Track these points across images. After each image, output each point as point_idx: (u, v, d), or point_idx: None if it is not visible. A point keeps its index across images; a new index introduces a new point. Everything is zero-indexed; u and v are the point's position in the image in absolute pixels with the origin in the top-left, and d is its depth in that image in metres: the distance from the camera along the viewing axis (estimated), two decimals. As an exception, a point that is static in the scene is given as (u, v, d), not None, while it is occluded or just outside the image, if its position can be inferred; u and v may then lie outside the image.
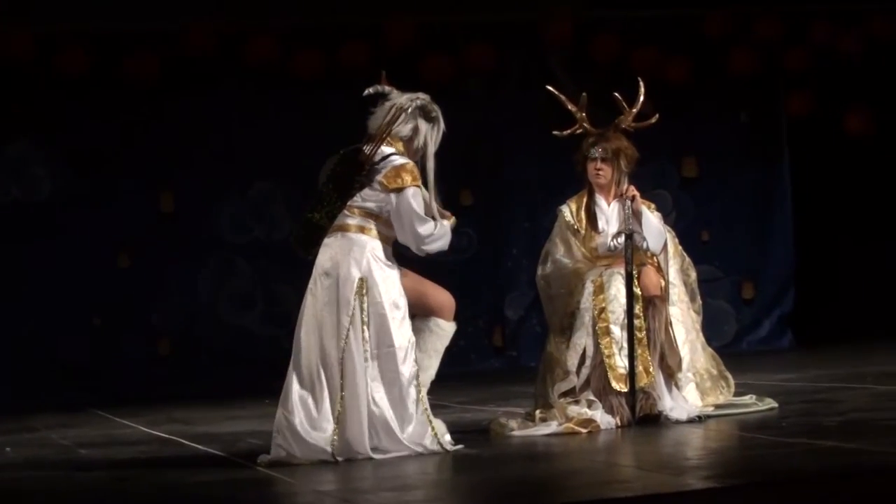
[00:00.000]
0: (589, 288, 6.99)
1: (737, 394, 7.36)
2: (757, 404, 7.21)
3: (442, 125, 6.40)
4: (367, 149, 6.26)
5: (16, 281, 11.10)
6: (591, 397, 6.83)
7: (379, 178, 6.24)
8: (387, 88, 6.40)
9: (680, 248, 7.35)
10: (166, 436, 7.85)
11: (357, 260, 6.18)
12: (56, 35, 10.99)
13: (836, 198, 12.38)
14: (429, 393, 6.30)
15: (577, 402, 6.80)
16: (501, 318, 11.90)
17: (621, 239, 6.96)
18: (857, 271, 12.31)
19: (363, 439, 6.08)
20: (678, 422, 6.79)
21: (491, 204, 11.80)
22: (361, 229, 6.25)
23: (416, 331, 6.29)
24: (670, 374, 6.99)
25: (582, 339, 6.93)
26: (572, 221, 7.16)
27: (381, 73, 6.43)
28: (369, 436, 6.10)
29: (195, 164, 11.35)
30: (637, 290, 6.92)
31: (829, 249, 12.40)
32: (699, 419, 6.82)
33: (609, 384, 6.84)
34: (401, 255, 6.41)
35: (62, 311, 11.12)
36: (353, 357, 6.11)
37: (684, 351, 7.10)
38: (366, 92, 6.40)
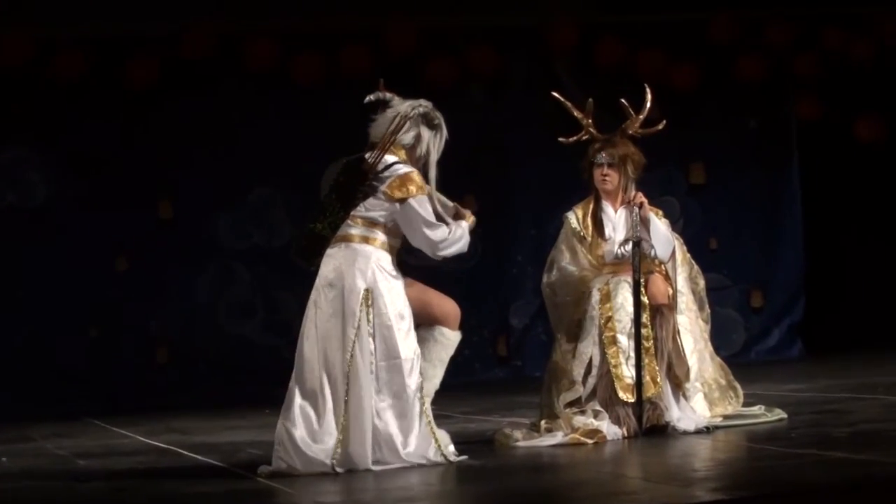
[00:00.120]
0: (595, 296, 7.00)
1: (745, 404, 7.36)
2: (766, 415, 7.21)
3: (444, 132, 6.42)
4: (370, 158, 6.27)
5: (12, 287, 11.11)
6: (598, 407, 6.84)
7: (383, 187, 6.26)
8: (388, 95, 6.42)
9: (688, 255, 7.36)
10: (165, 446, 7.86)
11: (362, 271, 6.20)
12: (54, 38, 11.00)
13: (847, 205, 12.38)
14: (432, 403, 6.32)
15: (582, 413, 6.80)
16: (506, 327, 11.90)
17: (629, 246, 6.97)
18: (868, 279, 12.31)
19: (366, 453, 6.09)
20: (686, 432, 6.79)
21: (495, 211, 11.80)
22: (365, 239, 6.26)
23: (421, 340, 6.31)
24: (678, 384, 6.99)
25: (588, 349, 6.93)
26: (579, 228, 7.17)
27: (380, 81, 6.44)
28: (372, 449, 6.10)
29: (194, 168, 11.35)
30: (644, 299, 6.93)
31: (840, 257, 12.40)
32: (707, 430, 6.82)
33: (616, 394, 6.84)
34: (404, 263, 6.42)
35: (59, 319, 11.13)
36: (359, 369, 6.12)
37: (692, 360, 7.10)
38: (367, 99, 6.42)
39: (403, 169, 6.29)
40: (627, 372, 6.86)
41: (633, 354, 6.86)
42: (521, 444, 6.78)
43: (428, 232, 6.27)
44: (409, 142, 6.36)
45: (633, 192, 7.11)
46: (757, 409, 7.31)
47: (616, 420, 6.80)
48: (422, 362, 6.27)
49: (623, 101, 7.15)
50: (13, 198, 11.25)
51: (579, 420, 6.76)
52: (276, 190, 11.53)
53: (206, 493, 6.00)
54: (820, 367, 10.81)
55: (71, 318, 11.16)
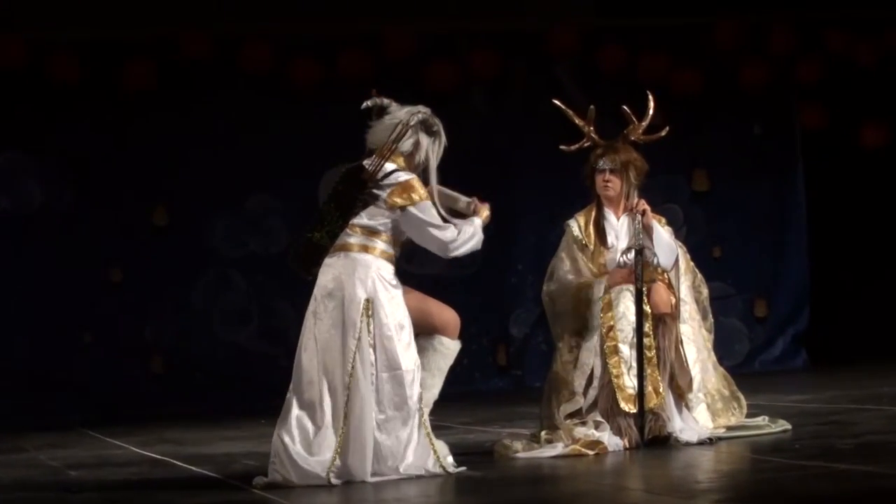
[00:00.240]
0: (597, 305, 6.99)
1: (749, 415, 7.36)
2: (770, 426, 7.21)
3: (443, 139, 6.43)
4: (369, 166, 6.28)
5: (3, 295, 11.10)
6: (599, 418, 6.84)
7: (384, 195, 6.26)
8: (385, 101, 6.43)
9: (692, 264, 7.36)
10: (159, 457, 7.85)
11: (362, 280, 6.20)
12: (48, 41, 11.00)
13: (853, 213, 12.38)
14: (431, 413, 6.32)
15: (583, 424, 6.80)
16: (506, 337, 11.90)
17: (631, 255, 6.97)
18: (874, 289, 12.30)
19: (365, 465, 6.09)
20: (688, 444, 6.79)
21: (495, 218, 11.76)
22: (365, 248, 6.27)
23: (420, 349, 6.31)
24: (680, 394, 6.99)
25: (590, 359, 6.93)
26: (580, 236, 7.16)
27: (372, 91, 6.44)
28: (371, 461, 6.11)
29: (189, 175, 11.35)
30: (647, 308, 6.93)
31: (845, 266, 12.40)
32: (710, 441, 6.82)
33: (617, 405, 6.84)
34: (403, 271, 6.42)
35: (52, 326, 11.12)
36: (360, 381, 6.12)
37: (695, 371, 7.10)
38: (364, 105, 6.43)
39: (404, 176, 6.30)
40: (629, 382, 6.86)
41: (634, 364, 6.85)
42: (520, 455, 6.78)
43: (437, 233, 6.29)
44: (408, 149, 6.37)
45: (635, 199, 7.10)
46: (761, 419, 7.31)
47: (617, 431, 6.79)
48: (420, 372, 6.27)
49: (625, 107, 7.16)
50: (7, 204, 11.25)
51: (580, 431, 6.76)
52: (273, 196, 11.53)
53: (201, 504, 6.00)
54: (825, 377, 10.80)
55: (64, 325, 11.15)
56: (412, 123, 6.33)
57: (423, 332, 6.37)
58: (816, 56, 12.04)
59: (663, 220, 7.21)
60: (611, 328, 6.95)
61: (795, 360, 12.23)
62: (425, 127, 6.39)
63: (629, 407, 6.83)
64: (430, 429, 6.25)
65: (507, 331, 11.90)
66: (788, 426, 7.20)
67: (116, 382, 11.17)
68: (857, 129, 12.18)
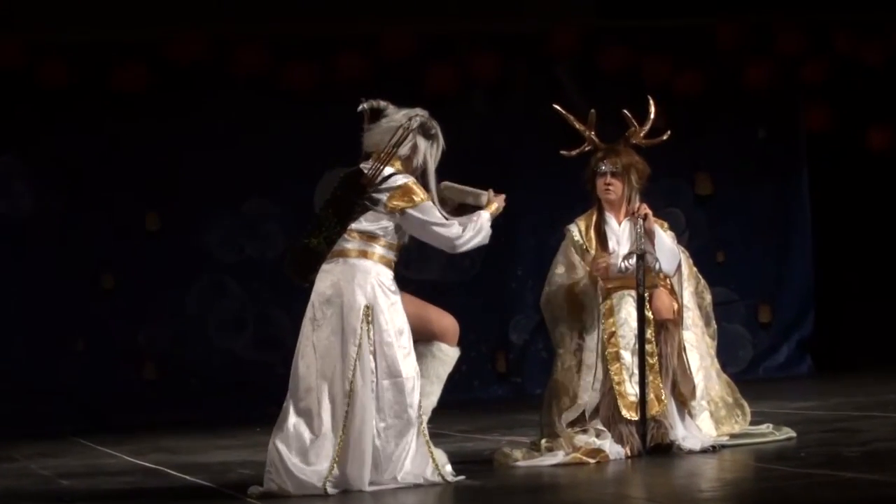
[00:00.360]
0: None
1: (753, 422, 7.36)
2: (774, 434, 7.21)
3: (441, 142, 6.45)
4: (368, 170, 6.28)
5: (-5, 300, 11.11)
6: (600, 426, 6.84)
7: (384, 199, 6.27)
8: (382, 104, 6.44)
9: (695, 269, 7.36)
10: (152, 465, 7.85)
11: (361, 286, 6.21)
12: (39, 43, 11.00)
13: (858, 217, 12.38)
14: (429, 421, 6.32)
15: (584, 431, 6.80)
16: (505, 343, 11.90)
17: (633, 260, 6.97)
18: (880, 294, 12.30)
19: (364, 474, 6.09)
20: (691, 452, 6.80)
21: (495, 222, 11.77)
22: (363, 254, 6.28)
23: (419, 356, 6.32)
24: (683, 402, 6.99)
25: (592, 359, 6.91)
26: (581, 241, 7.17)
27: (361, 100, 6.45)
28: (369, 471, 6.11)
29: (183, 179, 11.35)
30: (648, 314, 6.93)
31: (851, 271, 12.40)
32: (713, 449, 6.83)
33: (619, 412, 6.84)
34: (400, 276, 6.42)
35: (43, 333, 11.12)
36: (361, 388, 6.12)
37: (698, 378, 7.10)
38: (360, 107, 6.43)
39: (402, 179, 6.31)
40: (631, 389, 6.86)
41: (636, 371, 6.86)
42: (520, 463, 6.78)
43: (441, 231, 6.32)
44: (406, 153, 6.38)
45: (637, 204, 7.11)
46: (765, 427, 7.31)
47: (619, 439, 6.80)
48: (419, 379, 6.27)
49: (626, 111, 7.17)
50: (-2, 207, 11.26)
51: (581, 439, 6.76)
52: (269, 201, 11.52)
53: (195, 514, 6.00)
54: (830, 384, 10.80)
55: (55, 332, 11.15)
56: (413, 127, 6.33)
57: (422, 338, 6.38)
58: (822, 57, 12.04)
59: (665, 224, 7.22)
60: (612, 334, 6.95)
61: (800, 367, 12.23)
62: (423, 130, 6.40)
63: (631, 414, 6.83)
64: (428, 437, 6.26)
65: (506, 337, 11.90)
66: (793, 434, 7.21)
67: (109, 390, 11.16)
68: (863, 132, 12.18)
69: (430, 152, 6.41)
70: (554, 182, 11.17)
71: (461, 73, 11.60)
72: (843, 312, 12.29)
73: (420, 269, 10.89)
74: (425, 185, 6.38)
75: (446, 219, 6.37)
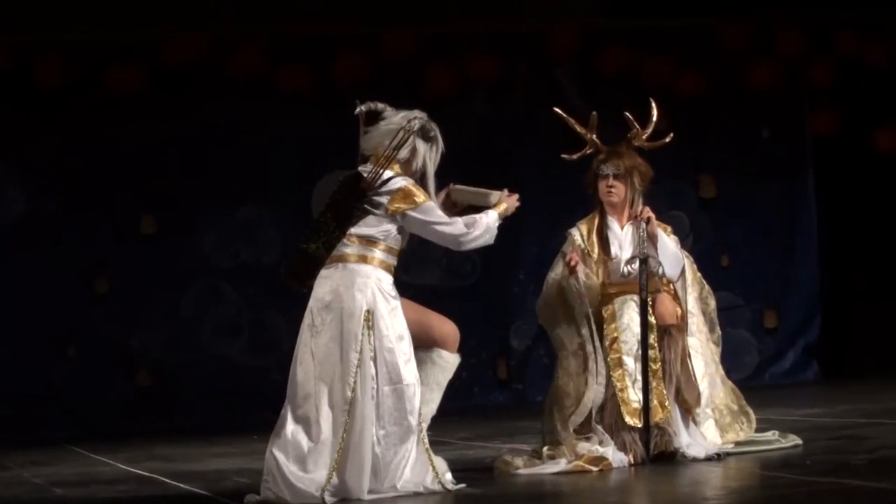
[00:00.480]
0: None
1: (758, 430, 7.36)
2: (780, 441, 7.21)
3: (441, 144, 6.46)
4: (367, 174, 6.29)
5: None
6: (603, 433, 6.84)
7: (385, 203, 6.28)
8: (380, 106, 6.45)
9: (699, 275, 7.36)
10: (146, 474, 7.85)
11: (362, 291, 6.21)
12: (33, 44, 11.00)
13: (865, 219, 12.38)
14: (429, 428, 6.33)
15: (588, 439, 6.80)
16: (506, 349, 11.90)
17: (635, 264, 6.98)
18: (887, 299, 12.31)
19: (362, 482, 6.09)
20: (695, 459, 6.80)
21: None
22: (363, 258, 6.28)
23: (418, 362, 6.33)
24: (687, 409, 7.00)
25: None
26: (583, 245, 7.17)
27: (356, 102, 6.46)
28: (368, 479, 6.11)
29: (179, 182, 11.35)
30: (651, 319, 6.93)
31: (858, 275, 12.41)
32: (718, 457, 6.83)
33: (622, 419, 6.85)
34: (400, 281, 6.43)
35: (35, 338, 11.12)
36: (362, 396, 6.12)
37: (703, 385, 7.09)
38: (357, 110, 6.44)
39: (402, 182, 6.32)
40: (634, 396, 6.87)
41: (639, 377, 6.86)
42: (522, 471, 6.78)
43: (445, 229, 6.34)
44: (405, 156, 6.39)
45: (639, 207, 7.11)
46: (770, 434, 7.31)
47: (622, 446, 6.80)
48: (419, 386, 6.28)
49: (627, 114, 7.17)
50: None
51: (583, 446, 6.76)
52: (265, 205, 11.52)
53: (191, 523, 6.01)
54: (837, 390, 10.81)
55: (48, 337, 11.15)
56: (415, 129, 6.34)
57: (422, 345, 6.38)
58: (827, 58, 12.05)
59: (669, 228, 7.22)
60: (614, 340, 6.96)
61: (806, 373, 12.24)
62: (422, 133, 6.41)
63: (634, 421, 6.84)
64: (428, 445, 6.26)
65: (507, 343, 11.90)
66: (799, 441, 7.21)
67: (102, 396, 11.16)
68: (869, 133, 12.18)
69: (429, 155, 6.42)
70: (555, 184, 11.16)
71: (461, 73, 11.61)
72: (850, 317, 12.30)
73: (419, 274, 10.89)
74: (425, 188, 6.39)
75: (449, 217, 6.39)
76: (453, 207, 6.54)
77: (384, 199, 6.29)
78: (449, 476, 6.31)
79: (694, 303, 7.24)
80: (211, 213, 11.45)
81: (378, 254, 6.30)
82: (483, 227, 6.42)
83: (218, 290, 11.55)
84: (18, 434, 10.56)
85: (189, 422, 10.82)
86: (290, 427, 6.17)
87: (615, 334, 6.96)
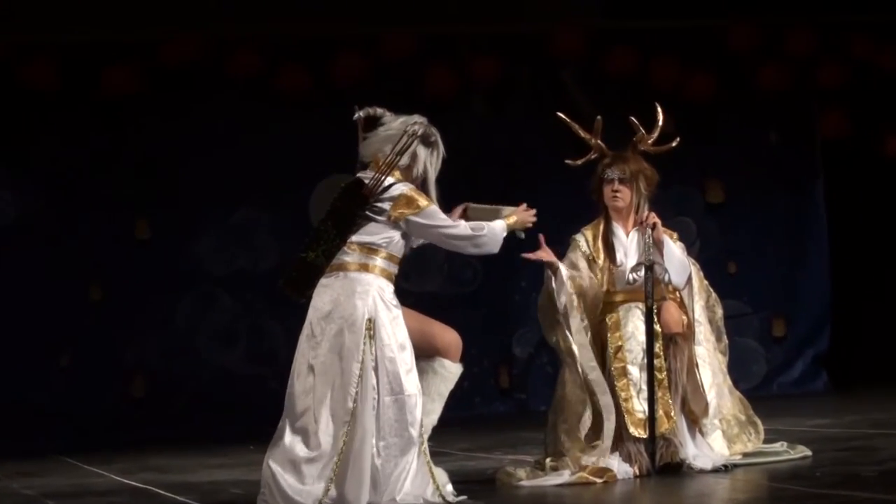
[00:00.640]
0: (609, 323, 6.99)
1: (766, 441, 7.37)
2: (789, 452, 7.22)
3: (441, 149, 6.47)
4: (369, 181, 6.30)
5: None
6: (608, 444, 6.84)
7: (387, 210, 6.28)
8: (379, 111, 6.46)
9: (706, 282, 7.37)
10: (141, 485, 7.86)
11: (363, 300, 6.22)
12: (26, 45, 11.01)
13: (876, 226, 12.39)
14: (430, 439, 6.33)
15: (593, 448, 6.80)
16: (509, 358, 11.90)
17: (641, 271, 6.98)
18: (898, 307, 12.33)
19: (361, 494, 6.09)
20: (702, 471, 6.81)
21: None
22: (364, 267, 6.29)
23: (419, 372, 6.33)
24: (694, 419, 7.00)
25: (598, 378, 6.91)
26: (588, 251, 7.17)
27: (355, 107, 6.48)
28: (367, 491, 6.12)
29: (174, 187, 11.36)
30: (657, 328, 6.94)
31: (868, 283, 12.41)
32: (725, 468, 6.84)
33: (627, 430, 6.85)
34: (401, 289, 6.43)
35: (27, 347, 11.12)
36: (363, 407, 6.12)
37: (711, 395, 7.09)
38: (356, 116, 6.45)
39: (402, 188, 6.33)
40: (639, 406, 6.87)
41: (644, 387, 6.86)
42: (524, 483, 6.79)
43: (451, 231, 6.36)
44: (406, 162, 6.40)
45: (645, 212, 7.12)
46: (779, 445, 7.32)
47: (627, 457, 6.80)
48: (420, 396, 6.28)
49: (633, 118, 7.18)
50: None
51: (587, 458, 6.76)
52: (262, 211, 11.53)
53: (186, 535, 6.01)
54: (846, 400, 10.82)
55: (41, 346, 11.15)
56: (419, 134, 6.35)
57: (424, 354, 6.39)
58: (837, 61, 12.05)
59: (675, 234, 7.22)
60: (619, 348, 6.96)
61: (815, 383, 12.24)
62: (423, 138, 6.42)
63: (639, 432, 6.84)
64: (429, 456, 6.26)
65: (509, 351, 11.90)
66: (808, 452, 7.22)
67: (95, 406, 11.17)
68: (880, 138, 12.19)
69: (430, 160, 6.43)
70: (559, 189, 11.16)
71: (461, 74, 11.62)
72: (859, 327, 12.29)
73: (420, 282, 10.90)
74: (426, 194, 6.39)
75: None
76: None
77: (387, 206, 6.30)
78: (450, 488, 6.31)
79: (701, 311, 7.24)
80: (206, 218, 11.45)
81: (379, 262, 6.31)
82: (488, 234, 6.43)
83: (214, 296, 11.56)
84: (9, 444, 10.55)
85: (184, 432, 10.82)
86: (288, 438, 6.18)
87: (619, 343, 6.97)
